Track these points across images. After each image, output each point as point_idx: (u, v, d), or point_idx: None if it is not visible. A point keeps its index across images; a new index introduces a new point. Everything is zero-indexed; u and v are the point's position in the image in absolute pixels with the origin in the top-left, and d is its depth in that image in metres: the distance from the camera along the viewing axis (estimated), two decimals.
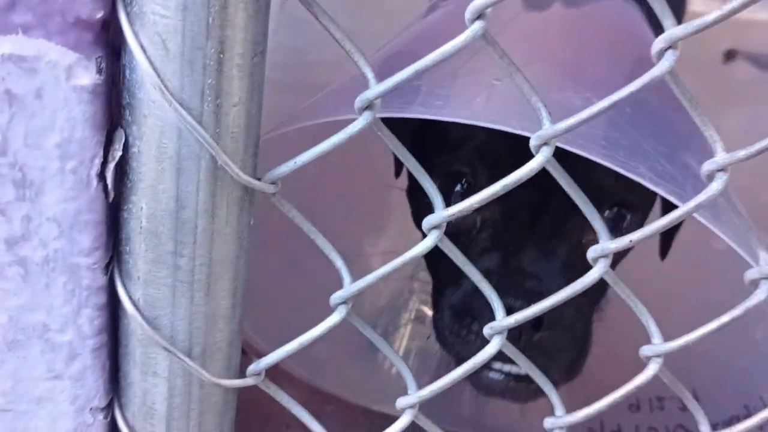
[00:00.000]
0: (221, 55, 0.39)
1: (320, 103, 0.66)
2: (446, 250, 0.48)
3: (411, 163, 0.46)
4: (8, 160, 0.41)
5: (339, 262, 0.49)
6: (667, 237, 0.81)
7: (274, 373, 0.51)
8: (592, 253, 0.47)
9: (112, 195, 0.43)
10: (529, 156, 0.43)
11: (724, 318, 0.48)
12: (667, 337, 0.49)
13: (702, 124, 0.42)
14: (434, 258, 0.71)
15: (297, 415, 0.53)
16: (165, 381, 0.48)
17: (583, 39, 0.72)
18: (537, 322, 0.64)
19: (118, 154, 0.42)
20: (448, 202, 0.46)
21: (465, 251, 0.49)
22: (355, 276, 0.48)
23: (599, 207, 0.49)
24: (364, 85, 0.42)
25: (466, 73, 0.58)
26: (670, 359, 0.49)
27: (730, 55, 1.88)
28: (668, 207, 0.52)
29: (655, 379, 0.50)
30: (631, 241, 0.45)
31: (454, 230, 0.66)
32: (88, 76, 0.40)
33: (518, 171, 0.43)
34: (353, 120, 0.43)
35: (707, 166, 0.43)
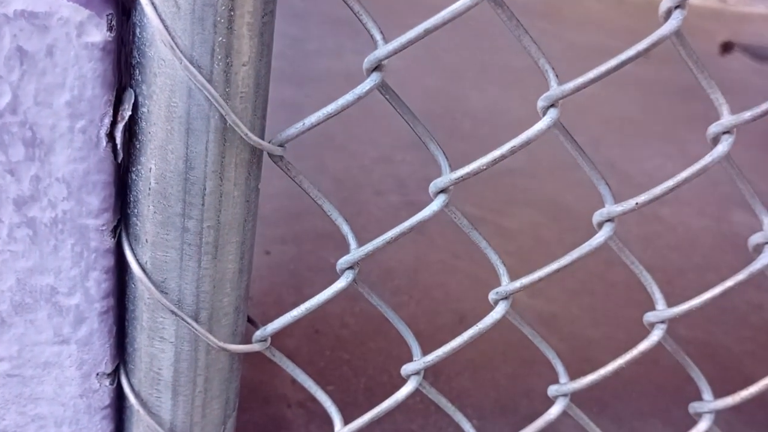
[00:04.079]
0: (232, 13, 0.39)
1: None
2: (452, 216, 0.48)
3: (419, 128, 0.46)
4: (18, 119, 0.41)
5: (345, 228, 0.49)
6: None
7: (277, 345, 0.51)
8: (597, 217, 0.47)
9: (121, 155, 0.43)
10: None
11: (729, 283, 0.48)
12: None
13: (708, 87, 0.43)
14: None
15: (302, 383, 0.53)
16: (172, 346, 0.49)
17: None
18: None
19: (128, 114, 0.42)
20: None
21: None
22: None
23: None
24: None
25: None
26: None
27: (726, 48, 1.89)
28: None
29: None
30: (636, 204, 0.46)
31: None
32: (99, 33, 0.40)
33: (526, 132, 0.44)
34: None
35: (713, 129, 0.44)
